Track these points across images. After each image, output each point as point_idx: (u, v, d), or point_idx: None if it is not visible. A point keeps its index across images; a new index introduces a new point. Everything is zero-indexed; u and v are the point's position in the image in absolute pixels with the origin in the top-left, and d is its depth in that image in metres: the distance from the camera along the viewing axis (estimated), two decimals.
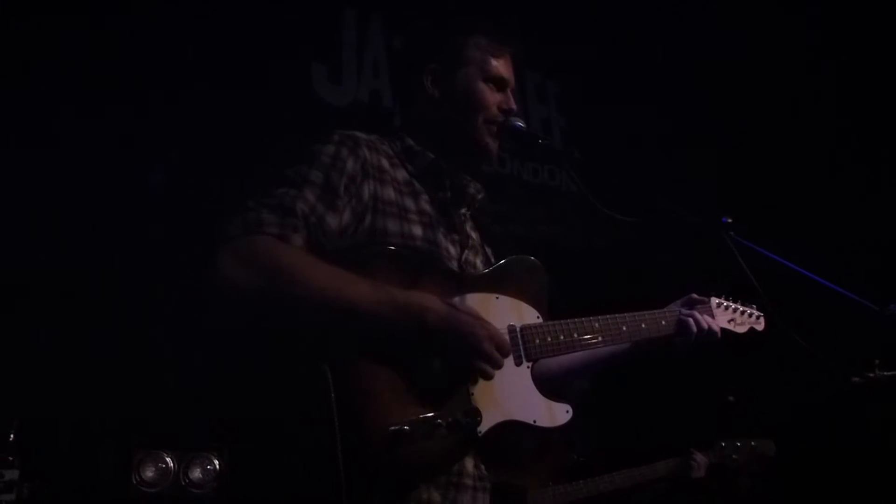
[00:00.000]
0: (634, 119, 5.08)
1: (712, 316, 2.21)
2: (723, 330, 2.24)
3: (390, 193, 1.87)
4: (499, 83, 2.01)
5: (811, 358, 1.87)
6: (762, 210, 4.48)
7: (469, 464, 1.81)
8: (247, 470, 3.24)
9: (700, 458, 3.77)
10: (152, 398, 3.46)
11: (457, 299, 1.80)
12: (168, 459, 3.29)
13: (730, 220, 1.81)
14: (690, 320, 2.12)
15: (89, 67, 3.57)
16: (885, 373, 2.77)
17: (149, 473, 3.26)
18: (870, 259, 4.55)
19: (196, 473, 3.32)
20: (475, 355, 1.71)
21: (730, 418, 4.15)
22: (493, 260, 2.08)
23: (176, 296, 3.48)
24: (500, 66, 2.02)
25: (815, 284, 1.77)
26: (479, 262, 2.03)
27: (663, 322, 2.13)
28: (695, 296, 2.23)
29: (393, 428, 1.62)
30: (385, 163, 1.90)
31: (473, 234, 2.07)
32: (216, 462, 3.35)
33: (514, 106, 2.02)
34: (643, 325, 2.09)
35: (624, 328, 2.06)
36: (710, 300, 2.28)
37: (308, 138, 1.88)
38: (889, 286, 2.13)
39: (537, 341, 1.90)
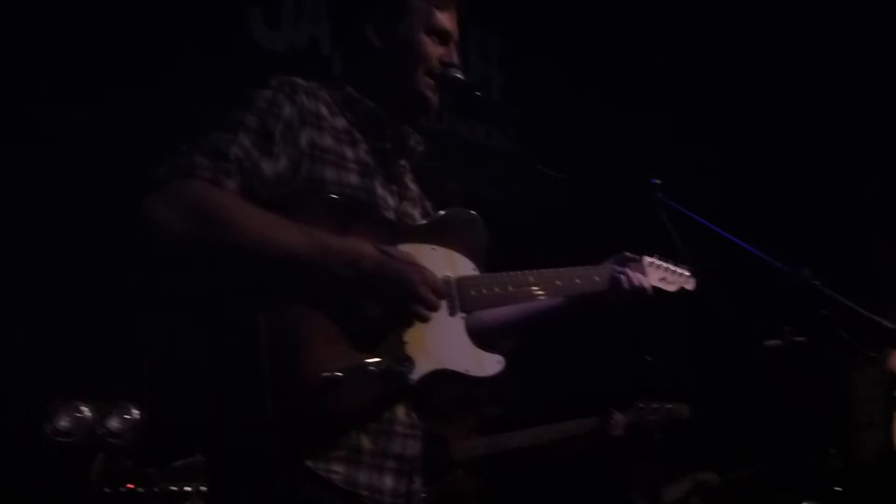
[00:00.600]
0: (575, 79, 5.11)
1: (644, 273, 2.25)
2: (654, 288, 2.30)
3: (328, 141, 1.84)
4: (442, 36, 1.97)
5: (729, 320, 1.92)
6: (694, 175, 4.62)
7: (400, 411, 1.82)
8: (171, 417, 3.19)
9: (619, 417, 3.89)
10: (68, 345, 3.35)
11: (392, 248, 1.79)
12: (84, 408, 3.20)
13: (658, 182, 1.84)
14: (622, 277, 2.16)
15: None
16: (795, 338, 2.90)
17: (63, 423, 3.16)
18: (789, 224, 4.77)
19: (114, 423, 3.24)
20: (410, 299, 1.72)
21: (649, 378, 4.28)
22: (431, 213, 2.07)
23: (100, 240, 3.36)
24: (445, 18, 1.98)
25: (736, 247, 1.81)
26: (417, 214, 2.01)
27: (596, 278, 2.17)
28: (627, 254, 2.27)
29: (325, 374, 1.61)
30: (324, 110, 1.87)
31: (413, 186, 2.05)
32: (135, 412, 3.27)
33: (455, 60, 1.99)
34: (577, 281, 2.13)
35: (558, 282, 2.10)
36: (642, 258, 2.33)
37: (242, 83, 1.84)
38: (805, 250, 2.21)
39: (472, 293, 1.91)
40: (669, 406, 3.98)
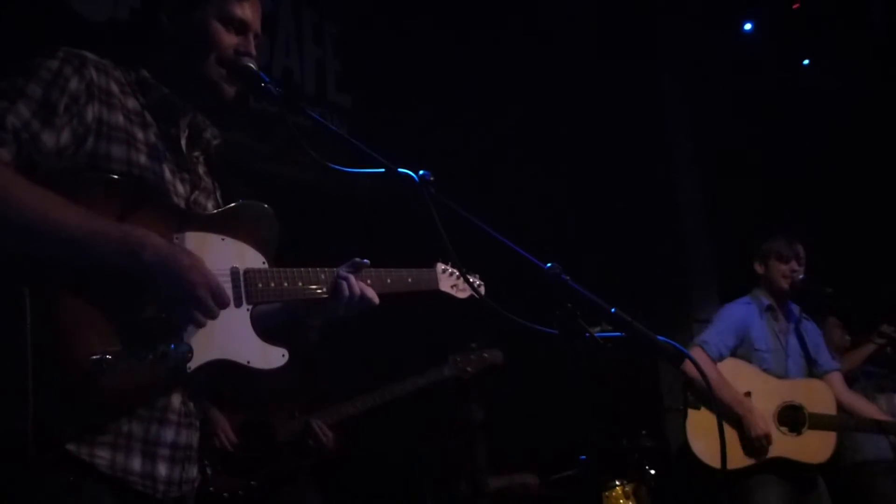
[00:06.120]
0: (405, 69, 5.18)
1: (379, 281, 2.16)
2: (446, 294, 2.41)
3: (118, 118, 1.81)
4: (238, 25, 1.95)
5: (506, 319, 1.85)
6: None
7: (176, 400, 1.83)
8: None
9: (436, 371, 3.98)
10: None
11: (178, 237, 1.79)
12: None
13: (432, 178, 1.77)
14: (344, 283, 2.04)
15: None
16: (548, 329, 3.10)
17: None
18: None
19: None
20: (189, 301, 1.71)
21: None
22: (223, 205, 2.06)
23: None
24: (242, 7, 1.96)
25: (502, 244, 1.75)
26: (210, 206, 2.01)
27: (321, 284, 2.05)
28: (357, 259, 2.12)
29: (95, 357, 1.59)
30: (115, 88, 1.84)
31: (206, 178, 2.04)
32: None
33: (252, 51, 1.97)
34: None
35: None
36: (435, 265, 2.41)
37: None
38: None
39: (259, 285, 1.93)
40: (485, 354, 4.08)
